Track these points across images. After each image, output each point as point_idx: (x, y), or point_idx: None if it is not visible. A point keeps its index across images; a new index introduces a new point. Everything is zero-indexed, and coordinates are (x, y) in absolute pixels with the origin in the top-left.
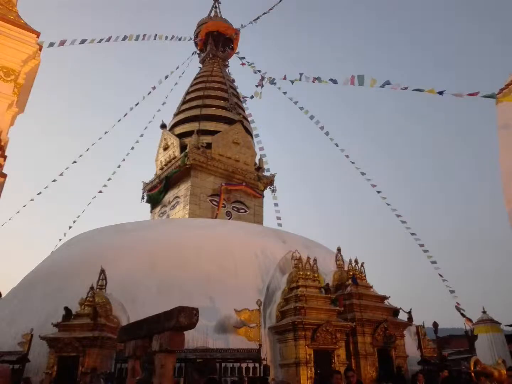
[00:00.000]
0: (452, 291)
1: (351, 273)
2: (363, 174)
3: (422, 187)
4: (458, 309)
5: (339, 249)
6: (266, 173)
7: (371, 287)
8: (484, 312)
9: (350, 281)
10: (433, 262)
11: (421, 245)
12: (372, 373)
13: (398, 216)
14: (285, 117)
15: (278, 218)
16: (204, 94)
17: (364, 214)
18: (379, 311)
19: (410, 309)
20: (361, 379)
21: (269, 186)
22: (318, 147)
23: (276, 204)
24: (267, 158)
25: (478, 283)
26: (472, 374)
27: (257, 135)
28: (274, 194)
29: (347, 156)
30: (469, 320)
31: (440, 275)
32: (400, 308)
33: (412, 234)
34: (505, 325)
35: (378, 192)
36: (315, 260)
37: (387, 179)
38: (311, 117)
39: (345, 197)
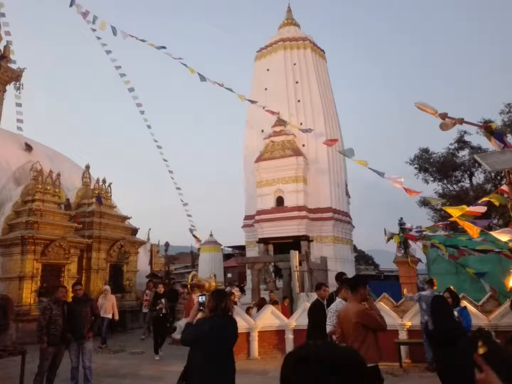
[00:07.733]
0: (189, 215)
1: (96, 191)
2: (132, 92)
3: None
4: (191, 231)
5: (87, 167)
6: (13, 66)
7: (115, 207)
8: (211, 235)
9: (94, 200)
10: (178, 188)
11: (170, 172)
12: (101, 285)
13: (156, 141)
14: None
15: (20, 121)
16: None
17: (126, 135)
18: (118, 229)
19: (149, 229)
20: (89, 292)
21: (14, 82)
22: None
23: (19, 105)
24: (16, 48)
25: (211, 210)
26: (189, 285)
27: (3, 14)
28: (19, 92)
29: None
30: (199, 240)
31: (182, 200)
32: (139, 228)
33: (165, 160)
34: (225, 246)
35: (142, 112)
36: (58, 174)
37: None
38: None
39: (107, 112)
